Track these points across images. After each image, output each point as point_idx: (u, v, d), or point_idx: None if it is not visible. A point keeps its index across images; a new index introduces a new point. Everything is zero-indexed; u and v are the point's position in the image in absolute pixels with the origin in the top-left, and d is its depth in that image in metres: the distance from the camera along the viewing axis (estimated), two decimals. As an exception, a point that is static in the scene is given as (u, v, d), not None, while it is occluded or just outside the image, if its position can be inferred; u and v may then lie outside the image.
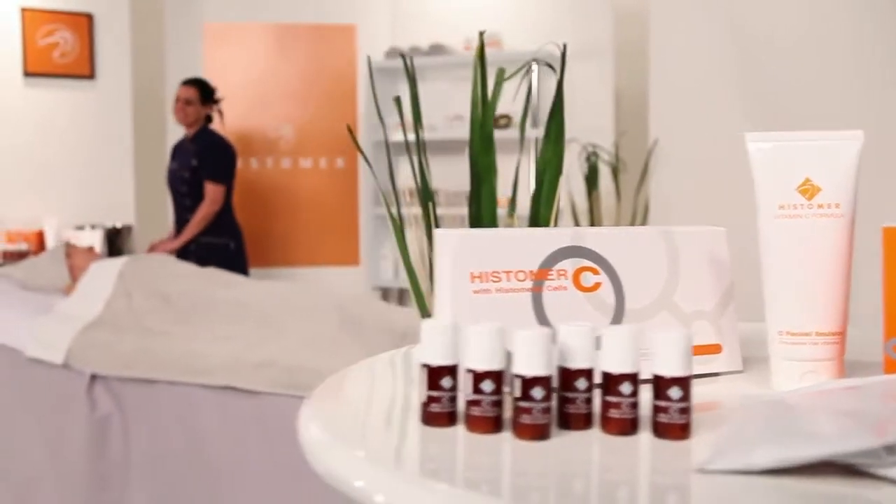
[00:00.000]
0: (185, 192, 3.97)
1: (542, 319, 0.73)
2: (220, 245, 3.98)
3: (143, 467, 2.38)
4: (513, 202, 2.10)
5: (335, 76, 4.80)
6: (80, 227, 4.13)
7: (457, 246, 0.72)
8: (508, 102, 4.46)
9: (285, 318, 2.61)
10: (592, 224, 4.14)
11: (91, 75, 4.30)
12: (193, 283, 2.85)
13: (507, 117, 4.40)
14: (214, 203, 3.97)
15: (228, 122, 4.20)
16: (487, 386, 0.60)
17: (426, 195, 2.08)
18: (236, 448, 2.26)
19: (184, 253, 3.86)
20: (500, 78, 2.10)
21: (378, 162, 4.68)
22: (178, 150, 4.08)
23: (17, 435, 2.62)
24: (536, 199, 2.00)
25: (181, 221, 3.99)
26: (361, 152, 2.06)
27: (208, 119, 4.09)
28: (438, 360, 0.62)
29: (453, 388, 0.62)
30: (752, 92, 3.76)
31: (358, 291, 4.51)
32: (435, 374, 0.62)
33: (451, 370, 0.62)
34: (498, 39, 4.46)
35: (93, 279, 2.89)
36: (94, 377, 2.48)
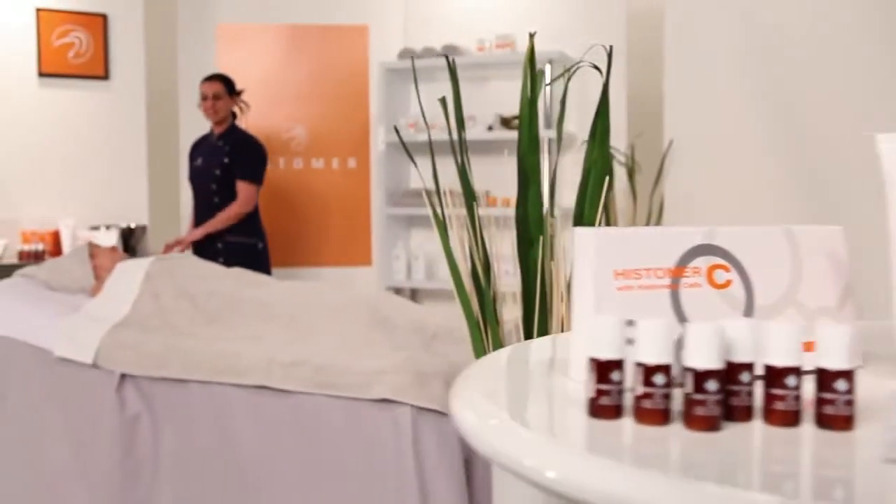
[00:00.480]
0: (213, 190, 3.94)
1: (681, 315, 0.75)
2: (249, 245, 3.97)
3: (172, 467, 2.38)
4: (551, 201, 2.12)
5: (347, 77, 4.81)
6: (96, 228, 4.13)
7: (599, 244, 0.74)
8: (519, 102, 4.39)
9: (315, 318, 2.61)
10: (608, 225, 4.16)
11: (105, 76, 4.30)
12: (220, 283, 2.85)
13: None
14: (247, 204, 3.94)
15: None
16: (659, 379, 0.62)
17: (469, 195, 2.10)
18: (268, 447, 2.25)
19: (213, 252, 3.84)
20: (536, 80, 2.11)
21: (391, 163, 4.70)
22: (203, 148, 4.04)
23: (46, 434, 2.62)
24: (581, 199, 2.02)
25: (203, 220, 3.95)
26: (410, 155, 2.07)
27: (234, 115, 4.07)
28: (607, 355, 0.64)
29: (621, 382, 0.64)
30: (766, 92, 3.79)
31: (371, 292, 4.52)
32: (604, 368, 0.64)
33: (619, 364, 0.64)
34: (511, 41, 4.47)
35: (119, 279, 2.89)
36: (123, 377, 2.48)
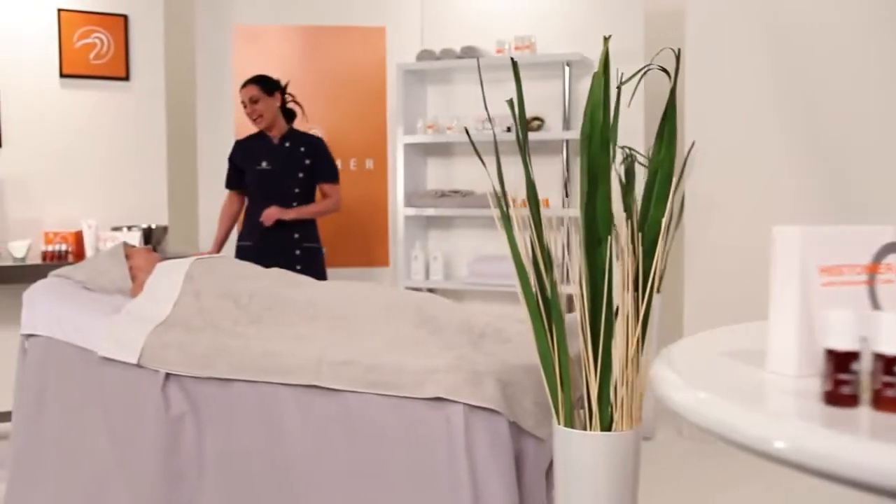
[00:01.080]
0: (296, 193, 3.96)
1: (878, 309, 0.78)
2: (318, 250, 4.05)
3: (216, 466, 2.38)
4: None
5: (364, 78, 4.83)
6: (118, 228, 4.12)
7: (805, 242, 0.77)
8: (538, 103, 4.48)
9: (360, 318, 2.61)
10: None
11: (126, 77, 4.30)
12: (262, 283, 2.86)
13: (540, 119, 4.45)
14: (338, 204, 4.07)
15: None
16: (902, 368, 0.65)
17: (533, 197, 2.13)
18: (316, 447, 2.25)
19: (292, 258, 3.88)
20: (609, 83, 2.15)
21: (409, 164, 4.72)
22: (262, 151, 3.99)
23: (89, 434, 2.62)
24: (647, 198, 2.06)
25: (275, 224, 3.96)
26: (479, 156, 2.10)
27: (290, 116, 4.05)
28: (846, 346, 0.67)
29: (859, 372, 0.67)
30: (788, 93, 3.84)
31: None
32: (843, 359, 0.67)
33: (857, 355, 0.67)
34: (530, 42, 4.50)
35: (159, 280, 2.89)
36: (167, 377, 2.48)
